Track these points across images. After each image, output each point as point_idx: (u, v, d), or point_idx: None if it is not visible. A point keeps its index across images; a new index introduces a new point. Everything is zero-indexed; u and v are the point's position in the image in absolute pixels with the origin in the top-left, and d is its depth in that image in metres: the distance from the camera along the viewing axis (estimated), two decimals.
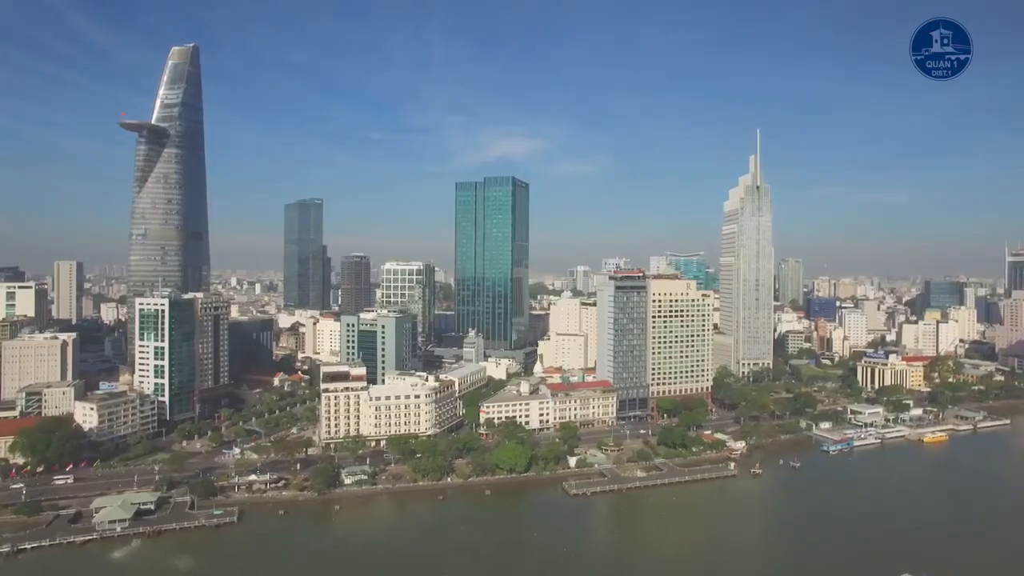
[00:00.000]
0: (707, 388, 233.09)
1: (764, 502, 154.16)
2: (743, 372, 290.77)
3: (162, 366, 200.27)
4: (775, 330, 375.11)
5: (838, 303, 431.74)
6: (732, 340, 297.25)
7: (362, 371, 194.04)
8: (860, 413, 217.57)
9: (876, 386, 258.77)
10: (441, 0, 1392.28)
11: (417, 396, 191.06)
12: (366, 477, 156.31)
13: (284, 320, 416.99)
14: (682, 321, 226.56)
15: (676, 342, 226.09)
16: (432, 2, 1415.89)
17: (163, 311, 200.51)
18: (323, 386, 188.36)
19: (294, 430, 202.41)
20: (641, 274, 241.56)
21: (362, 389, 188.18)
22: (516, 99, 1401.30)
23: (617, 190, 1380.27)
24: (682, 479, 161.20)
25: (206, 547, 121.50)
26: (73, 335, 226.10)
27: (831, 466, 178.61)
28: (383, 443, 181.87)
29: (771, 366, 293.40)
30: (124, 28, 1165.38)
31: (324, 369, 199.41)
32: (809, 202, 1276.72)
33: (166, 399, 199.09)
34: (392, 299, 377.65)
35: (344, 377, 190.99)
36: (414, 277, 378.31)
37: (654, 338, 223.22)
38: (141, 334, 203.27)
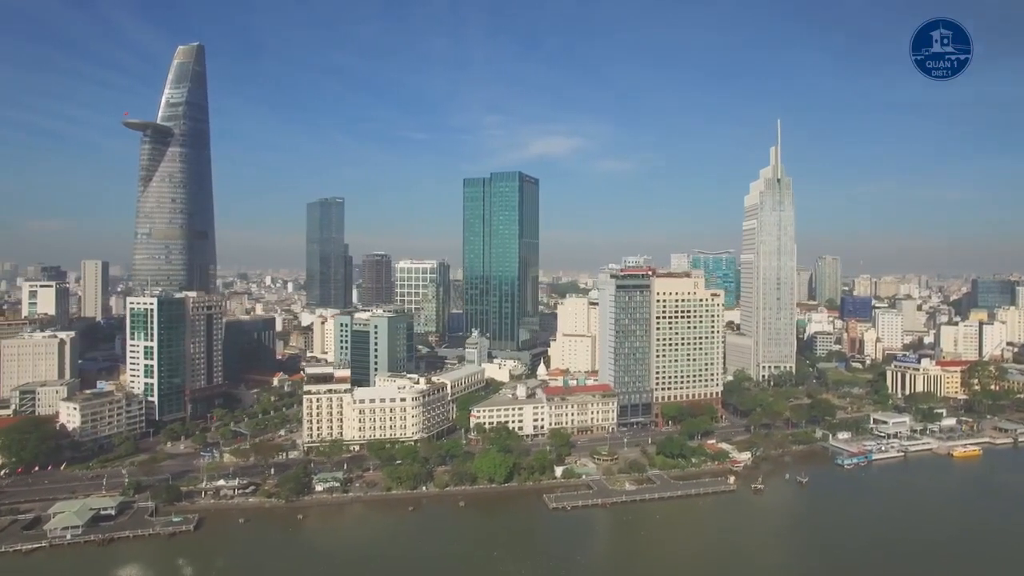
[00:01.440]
0: (717, 393, 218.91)
1: (758, 522, 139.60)
2: (763, 376, 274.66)
3: (152, 365, 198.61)
4: (804, 331, 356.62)
5: (873, 302, 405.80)
6: (752, 341, 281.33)
7: (346, 373, 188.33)
8: (884, 423, 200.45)
9: (907, 392, 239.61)
10: (480, 1, 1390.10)
11: (403, 399, 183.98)
12: (338, 484, 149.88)
13: (306, 318, 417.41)
14: (689, 322, 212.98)
15: (682, 344, 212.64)
16: (471, 3, 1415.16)
17: (152, 310, 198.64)
18: (305, 388, 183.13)
19: (282, 432, 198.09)
20: (651, 272, 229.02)
21: (345, 391, 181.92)
22: (556, 98, 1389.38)
23: (655, 188, 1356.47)
24: (674, 493, 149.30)
25: (152, 558, 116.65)
26: (71, 334, 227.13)
27: (843, 482, 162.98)
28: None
29: (794, 369, 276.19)
30: (171, 33, 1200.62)
31: (308, 370, 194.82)
32: (857, 198, 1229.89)
33: (155, 399, 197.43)
34: (406, 298, 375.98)
35: (327, 379, 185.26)
36: (428, 276, 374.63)
37: (658, 340, 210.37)
38: (132, 333, 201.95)
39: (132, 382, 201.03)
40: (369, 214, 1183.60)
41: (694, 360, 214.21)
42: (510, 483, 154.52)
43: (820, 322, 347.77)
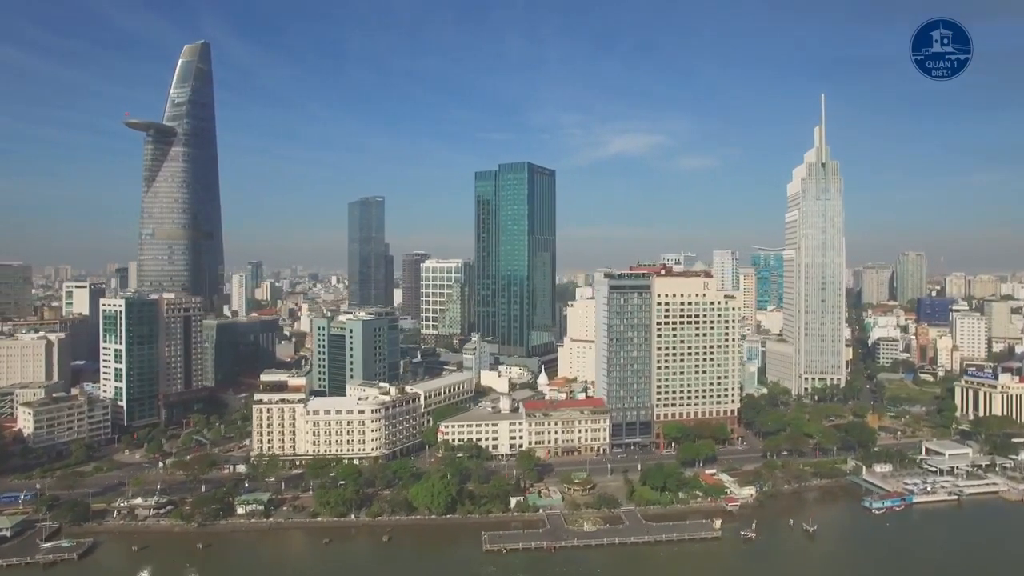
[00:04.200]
0: (733, 411, 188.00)
1: None
2: (805, 389, 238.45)
3: (121, 369, 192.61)
4: (869, 335, 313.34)
5: (958, 303, 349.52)
6: (794, 349, 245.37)
7: (301, 381, 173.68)
8: (938, 454, 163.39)
9: (981, 414, 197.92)
10: (556, 1, 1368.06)
11: (361, 412, 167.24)
12: (261, 507, 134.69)
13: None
14: (697, 328, 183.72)
15: (689, 354, 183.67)
16: (547, 3, 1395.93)
17: (120, 312, 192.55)
18: (256, 397, 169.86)
19: (246, 442, 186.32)
20: (663, 270, 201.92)
21: (299, 402, 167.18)
22: (633, 95, 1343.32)
23: (735, 184, 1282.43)
24: (640, 539, 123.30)
25: None
26: (61, 335, 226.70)
27: (864, 534, 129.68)
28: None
29: (842, 382, 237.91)
30: (258, 44, 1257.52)
31: (264, 377, 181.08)
32: (965, 189, 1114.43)
33: (123, 403, 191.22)
34: (432, 298, 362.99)
35: (281, 387, 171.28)
36: (452, 276, 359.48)
37: (660, 348, 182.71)
38: (104, 336, 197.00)
39: (104, 386, 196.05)
40: (437, 216, 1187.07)
41: (704, 372, 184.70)
42: (452, 514, 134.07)
43: (886, 326, 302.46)
